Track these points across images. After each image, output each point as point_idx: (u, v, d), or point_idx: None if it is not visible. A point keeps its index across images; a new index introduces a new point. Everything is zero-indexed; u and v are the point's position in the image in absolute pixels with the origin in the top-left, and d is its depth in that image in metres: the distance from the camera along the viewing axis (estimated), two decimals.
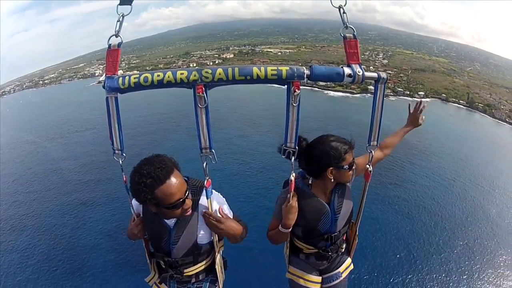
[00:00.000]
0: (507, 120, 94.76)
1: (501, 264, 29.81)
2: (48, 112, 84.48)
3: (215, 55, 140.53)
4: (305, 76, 2.15)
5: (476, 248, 31.27)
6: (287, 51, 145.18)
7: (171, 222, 2.53)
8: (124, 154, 2.44)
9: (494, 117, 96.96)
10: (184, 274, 2.74)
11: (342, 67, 2.22)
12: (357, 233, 3.08)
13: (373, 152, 2.63)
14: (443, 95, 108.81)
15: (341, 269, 3.14)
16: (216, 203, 2.58)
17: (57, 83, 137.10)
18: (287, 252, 3.10)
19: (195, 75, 2.10)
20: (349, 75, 2.19)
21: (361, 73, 2.20)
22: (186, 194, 2.30)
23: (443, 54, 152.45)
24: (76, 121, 71.98)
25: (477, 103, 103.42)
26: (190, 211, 2.45)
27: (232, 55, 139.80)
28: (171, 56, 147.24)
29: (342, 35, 2.27)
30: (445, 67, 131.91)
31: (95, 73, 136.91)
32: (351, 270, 3.22)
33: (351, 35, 2.27)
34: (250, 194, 37.59)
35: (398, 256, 28.63)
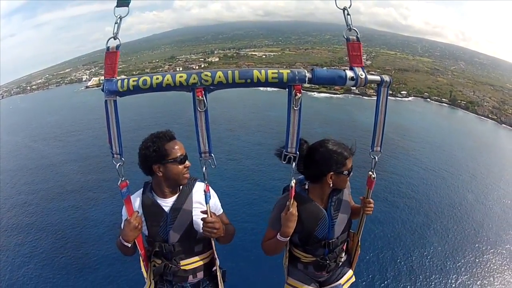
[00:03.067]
0: (490, 116, 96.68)
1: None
2: (40, 117, 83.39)
3: (201, 59, 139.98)
4: (306, 79, 2.13)
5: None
6: (272, 53, 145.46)
7: (167, 205, 2.69)
8: (123, 159, 2.41)
9: (476, 114, 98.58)
10: (181, 267, 2.76)
11: (344, 70, 2.19)
12: (359, 244, 3.01)
13: (376, 158, 2.56)
14: (426, 94, 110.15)
15: (342, 281, 3.05)
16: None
17: (44, 89, 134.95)
18: (286, 262, 2.97)
19: (194, 78, 2.09)
20: (352, 78, 2.16)
21: (363, 76, 2.17)
22: (186, 155, 2.66)
23: (427, 53, 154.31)
24: (71, 124, 71.54)
25: (459, 101, 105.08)
26: (189, 174, 2.71)
27: (217, 59, 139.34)
28: (157, 60, 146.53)
29: (345, 37, 2.22)
30: (429, 67, 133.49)
31: (82, 78, 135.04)
32: (352, 283, 3.12)
33: (355, 37, 2.22)
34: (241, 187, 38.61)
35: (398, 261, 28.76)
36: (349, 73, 2.15)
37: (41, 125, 75.13)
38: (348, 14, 2.20)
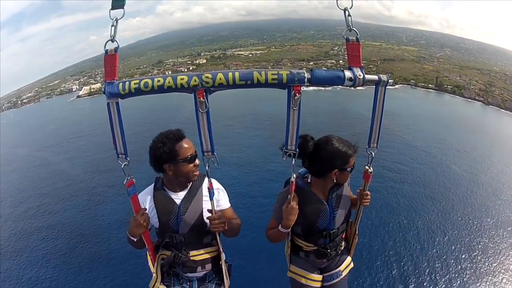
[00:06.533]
0: (476, 98, 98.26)
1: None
2: (37, 128, 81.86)
3: (188, 62, 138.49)
4: (305, 80, 2.18)
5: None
6: (258, 52, 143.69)
7: (178, 198, 2.87)
8: (128, 158, 2.49)
9: (463, 97, 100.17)
10: (190, 258, 2.92)
11: (343, 70, 2.25)
12: (357, 232, 3.13)
13: (373, 153, 2.66)
14: (412, 81, 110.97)
15: (341, 267, 3.19)
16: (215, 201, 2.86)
17: (36, 102, 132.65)
18: (288, 251, 3.13)
19: (195, 80, 2.15)
20: (350, 79, 2.22)
21: (361, 76, 2.23)
22: (196, 153, 2.77)
23: (412, 43, 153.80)
24: (71, 131, 71.00)
25: (445, 86, 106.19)
26: (198, 172, 2.86)
27: (204, 61, 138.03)
28: (145, 66, 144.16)
29: (345, 37, 2.27)
30: (415, 55, 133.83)
31: (72, 88, 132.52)
32: (351, 269, 3.29)
33: (354, 38, 2.27)
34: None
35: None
36: (348, 74, 2.23)
37: (41, 135, 74.30)
38: (349, 14, 2.27)
